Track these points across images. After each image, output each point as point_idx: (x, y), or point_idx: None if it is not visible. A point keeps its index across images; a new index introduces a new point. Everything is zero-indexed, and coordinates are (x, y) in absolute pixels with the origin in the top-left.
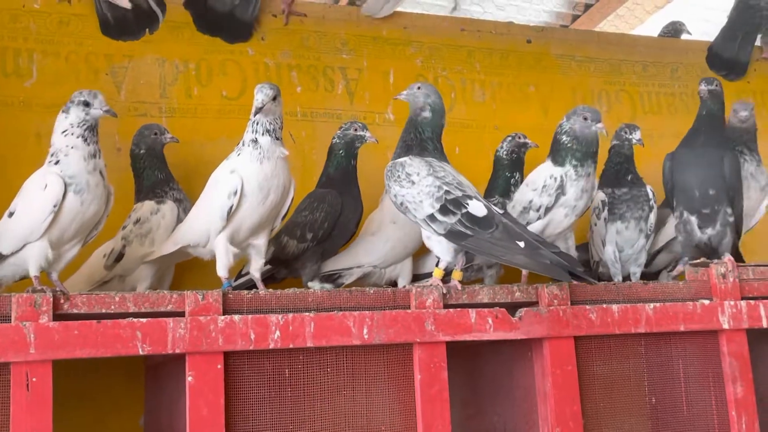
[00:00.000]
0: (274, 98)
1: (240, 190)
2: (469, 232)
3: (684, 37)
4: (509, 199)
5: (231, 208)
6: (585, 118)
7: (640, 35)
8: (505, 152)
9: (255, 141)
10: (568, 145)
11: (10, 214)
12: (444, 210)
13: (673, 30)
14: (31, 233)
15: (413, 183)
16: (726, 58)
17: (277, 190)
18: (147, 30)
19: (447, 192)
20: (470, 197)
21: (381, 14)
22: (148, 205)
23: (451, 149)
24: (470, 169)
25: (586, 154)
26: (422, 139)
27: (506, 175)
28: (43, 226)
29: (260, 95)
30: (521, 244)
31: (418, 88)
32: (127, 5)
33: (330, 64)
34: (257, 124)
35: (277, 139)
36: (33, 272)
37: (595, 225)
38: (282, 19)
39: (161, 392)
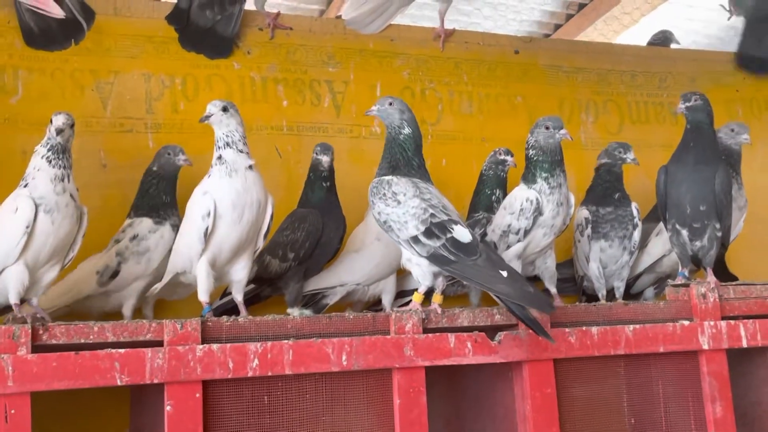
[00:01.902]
0: (225, 109)
1: (213, 210)
2: (452, 257)
3: (673, 46)
4: (494, 215)
5: (207, 229)
6: (547, 128)
7: (628, 44)
8: (485, 168)
9: (220, 157)
10: (535, 158)
11: None
12: (428, 233)
13: (663, 38)
14: (8, 257)
15: (399, 203)
16: (758, 56)
17: (252, 207)
18: (73, 40)
19: (432, 215)
20: (455, 222)
21: (368, 31)
22: (147, 223)
23: (437, 161)
24: (457, 181)
25: (553, 163)
26: (408, 157)
27: (487, 191)
28: (18, 248)
29: (209, 107)
30: (504, 273)
31: (390, 104)
32: (60, 14)
33: (316, 78)
34: (218, 140)
35: (240, 151)
36: (13, 299)
37: (579, 242)
38: (268, 32)
39: (144, 413)
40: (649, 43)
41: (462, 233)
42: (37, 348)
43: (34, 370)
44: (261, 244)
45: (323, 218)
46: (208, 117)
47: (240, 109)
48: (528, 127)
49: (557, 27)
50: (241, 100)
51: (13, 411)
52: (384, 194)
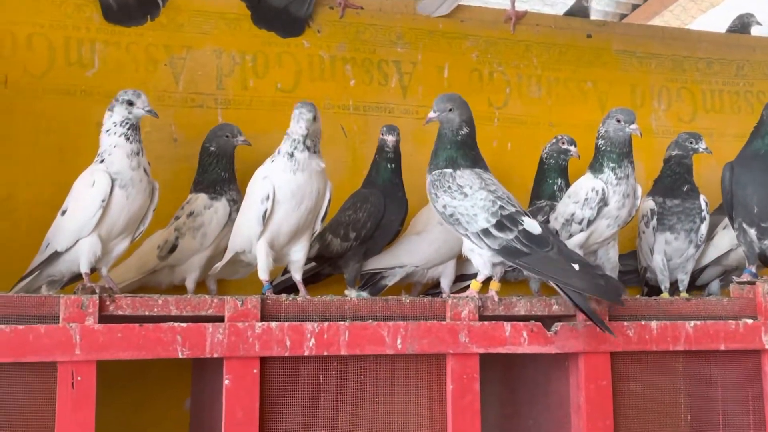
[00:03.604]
0: (315, 118)
1: (272, 195)
2: (526, 249)
3: (754, 28)
4: (557, 202)
5: (265, 212)
6: (618, 120)
7: (705, 31)
8: (546, 156)
9: (291, 155)
10: (603, 148)
11: (63, 212)
12: (500, 226)
13: (741, 24)
14: (83, 228)
15: (465, 195)
16: None
17: (311, 196)
18: (149, 16)
19: (501, 207)
20: (523, 213)
21: (438, 13)
22: (203, 199)
23: (503, 145)
24: (522, 166)
25: (620, 155)
26: (465, 152)
27: (549, 180)
28: (94, 221)
29: (302, 122)
30: (576, 266)
31: (450, 110)
32: None
33: (384, 58)
34: (297, 141)
35: (314, 152)
36: (84, 268)
37: (644, 233)
38: (338, 11)
39: (203, 382)
40: (728, 30)
41: (532, 225)
42: (103, 318)
43: (100, 339)
44: (319, 227)
45: (386, 199)
46: (306, 135)
47: (308, 87)
48: (597, 113)
49: (634, 7)
50: (310, 78)
51: (79, 378)
52: (449, 187)
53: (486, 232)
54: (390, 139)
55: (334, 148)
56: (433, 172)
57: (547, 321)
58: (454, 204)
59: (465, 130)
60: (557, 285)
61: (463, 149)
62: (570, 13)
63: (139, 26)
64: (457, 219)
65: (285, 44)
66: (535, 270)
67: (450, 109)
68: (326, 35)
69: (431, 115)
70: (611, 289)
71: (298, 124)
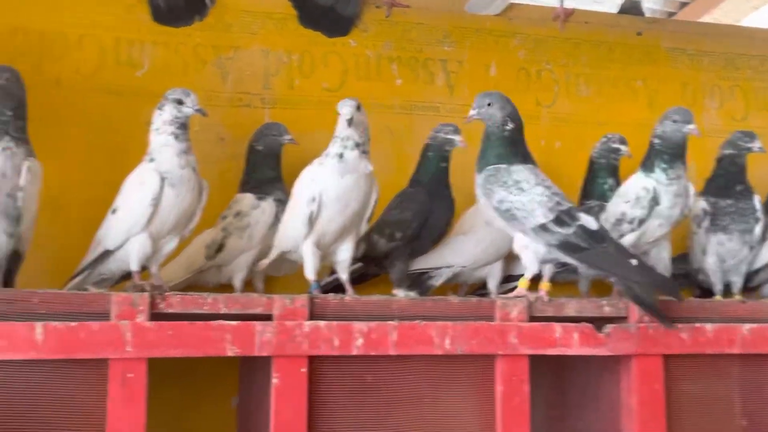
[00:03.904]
0: (359, 107)
1: (319, 198)
2: (584, 244)
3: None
4: (607, 203)
5: (312, 214)
6: (674, 121)
7: (758, 28)
8: (596, 155)
9: (341, 155)
10: (658, 148)
11: (114, 211)
12: (558, 221)
13: (631, 4)
14: (133, 227)
15: (522, 190)
16: None
17: (358, 199)
18: (197, 17)
19: (558, 203)
20: (579, 209)
21: (488, 12)
22: (249, 199)
23: (551, 144)
24: (570, 166)
25: (674, 155)
26: (515, 149)
27: (599, 180)
28: (144, 219)
29: (345, 108)
30: (633, 261)
31: (489, 104)
32: None
33: (431, 56)
34: (346, 139)
35: (364, 152)
36: (134, 266)
37: (695, 234)
38: (385, 10)
39: (251, 381)
40: (620, 11)
41: (588, 220)
42: (154, 316)
43: (151, 337)
44: (364, 228)
45: (432, 199)
46: (351, 120)
47: (353, 86)
48: (647, 112)
49: (683, 5)
50: (356, 77)
51: (130, 375)
52: (505, 182)
53: (544, 227)
54: (458, 139)
55: (380, 147)
56: (486, 168)
57: (598, 323)
58: (511, 199)
59: (510, 126)
60: (617, 280)
61: (512, 145)
62: (623, 10)
63: (187, 27)
64: (514, 214)
65: (331, 44)
66: (594, 265)
67: (489, 104)
68: (372, 34)
69: (471, 113)
70: (669, 284)
71: (342, 112)
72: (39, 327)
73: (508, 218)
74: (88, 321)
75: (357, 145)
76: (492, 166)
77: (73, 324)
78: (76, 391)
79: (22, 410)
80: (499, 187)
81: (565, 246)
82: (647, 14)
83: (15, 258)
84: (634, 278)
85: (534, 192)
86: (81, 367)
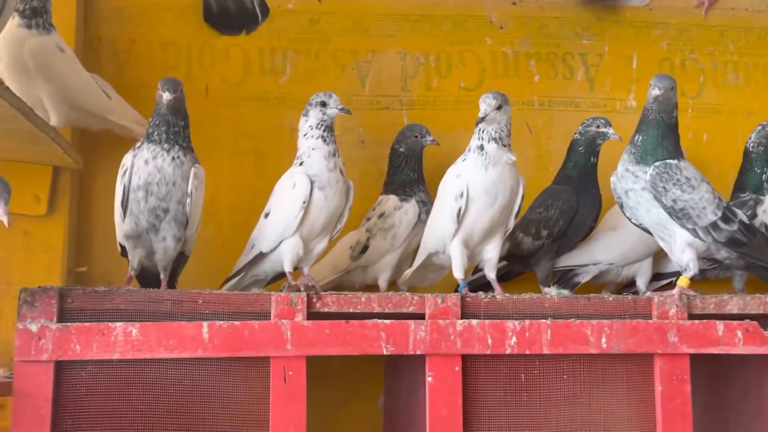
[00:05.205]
0: (499, 107)
1: (466, 192)
2: (745, 239)
3: None
4: (763, 195)
5: (460, 210)
6: None
7: None
8: (753, 144)
9: (481, 147)
10: None
11: (266, 215)
12: (725, 218)
13: None
14: (286, 229)
15: (693, 188)
16: None
17: (505, 193)
18: (245, 30)
19: (720, 199)
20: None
21: (633, 3)
22: (393, 200)
23: (698, 137)
24: (720, 158)
25: None
26: (678, 140)
27: (756, 170)
28: (296, 222)
29: (483, 105)
30: None
31: (672, 88)
32: None
33: (569, 51)
34: (482, 131)
35: (504, 146)
36: (287, 267)
37: None
38: (520, 7)
39: (399, 381)
40: None
41: (742, 214)
42: (311, 315)
43: (309, 335)
44: (512, 224)
45: (578, 195)
46: (484, 119)
47: (491, 85)
48: None
49: None
50: (493, 75)
51: (291, 372)
52: (678, 179)
53: (715, 225)
54: (612, 132)
55: (519, 145)
56: (655, 164)
57: (762, 320)
58: (685, 198)
59: (676, 113)
60: None
61: (676, 136)
62: None
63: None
64: (687, 213)
65: (467, 42)
66: (756, 258)
67: (672, 88)
68: (509, 31)
69: (655, 92)
70: None
71: (480, 107)
72: (205, 326)
73: (681, 217)
74: (250, 320)
75: (493, 138)
76: (661, 162)
77: (236, 323)
78: (239, 388)
79: (189, 407)
80: (674, 185)
81: (732, 242)
82: None
83: (181, 260)
84: None
85: (702, 189)
86: (244, 364)
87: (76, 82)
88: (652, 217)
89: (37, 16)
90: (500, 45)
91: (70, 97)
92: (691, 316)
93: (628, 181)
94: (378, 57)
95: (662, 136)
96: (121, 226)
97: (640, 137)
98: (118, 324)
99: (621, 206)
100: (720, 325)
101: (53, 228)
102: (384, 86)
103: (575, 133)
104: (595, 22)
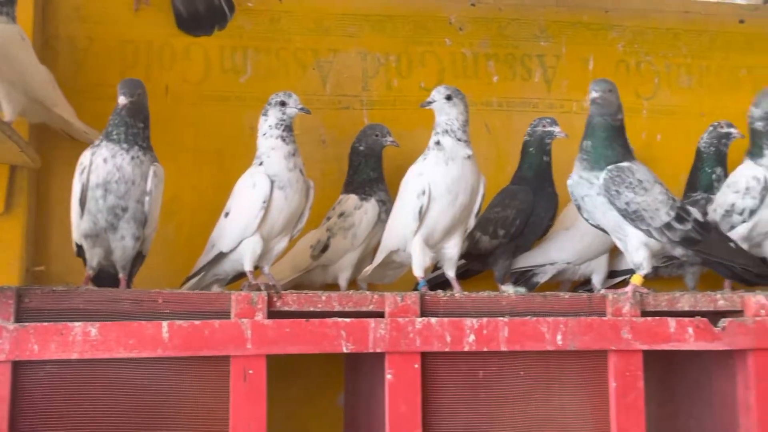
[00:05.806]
0: (449, 98)
1: (428, 190)
2: (699, 237)
3: None
4: (713, 195)
5: (421, 207)
6: None
7: None
8: (704, 144)
9: (438, 143)
10: (763, 130)
11: (226, 215)
12: (679, 218)
13: None
14: (246, 229)
15: (646, 190)
16: None
17: (466, 191)
18: (217, 27)
19: (673, 199)
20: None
21: None
22: (353, 199)
23: (652, 137)
24: (673, 158)
25: None
26: (626, 142)
27: (706, 170)
28: (256, 222)
29: (433, 93)
30: (732, 245)
31: (610, 90)
32: None
33: (528, 52)
34: (437, 126)
35: (459, 140)
36: (248, 267)
37: None
38: (479, 8)
39: (359, 379)
40: None
41: (695, 212)
42: (271, 314)
43: (270, 334)
44: (472, 223)
45: (534, 195)
46: (430, 103)
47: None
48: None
49: None
50: (453, 76)
51: (251, 371)
52: (630, 182)
53: (668, 225)
54: (557, 130)
55: (479, 145)
56: (608, 168)
57: (712, 317)
58: (638, 200)
59: (621, 116)
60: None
61: (624, 138)
62: None
63: (286, 31)
64: (641, 215)
65: (427, 43)
66: (711, 255)
67: (610, 90)
68: (468, 32)
69: (594, 94)
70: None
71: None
72: (165, 326)
73: (634, 219)
74: (210, 320)
75: (446, 131)
76: (613, 166)
77: (197, 323)
78: (200, 388)
79: (149, 407)
80: (626, 188)
81: (686, 241)
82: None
83: (138, 259)
84: (742, 261)
85: (655, 191)
86: (204, 364)
87: (35, 71)
88: (609, 220)
89: (6, 5)
90: (460, 46)
91: (28, 87)
92: (644, 314)
93: (583, 187)
94: (339, 57)
95: (609, 139)
96: (79, 225)
97: (589, 142)
98: (77, 324)
99: (579, 209)
100: (672, 322)
101: (10, 227)
102: (345, 86)
103: (525, 135)
104: (552, 24)
